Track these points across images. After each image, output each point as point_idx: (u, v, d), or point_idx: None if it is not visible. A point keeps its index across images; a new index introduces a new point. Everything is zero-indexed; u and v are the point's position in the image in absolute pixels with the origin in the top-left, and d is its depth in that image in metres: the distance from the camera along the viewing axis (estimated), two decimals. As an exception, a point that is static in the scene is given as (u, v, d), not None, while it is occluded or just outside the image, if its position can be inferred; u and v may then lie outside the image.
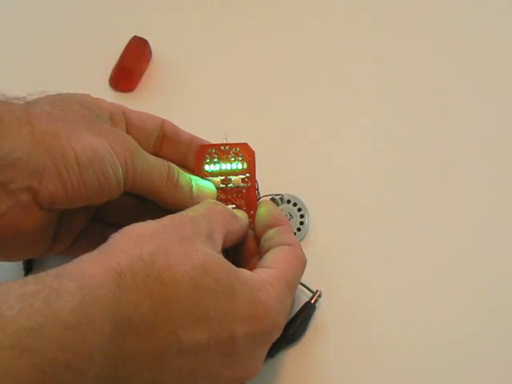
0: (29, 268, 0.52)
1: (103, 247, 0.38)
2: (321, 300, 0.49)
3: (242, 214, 0.47)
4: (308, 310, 0.49)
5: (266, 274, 0.42)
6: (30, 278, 0.34)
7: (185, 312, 0.37)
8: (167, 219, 0.41)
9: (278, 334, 0.42)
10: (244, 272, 0.41)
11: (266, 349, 0.42)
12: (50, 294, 0.33)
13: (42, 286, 0.33)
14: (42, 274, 0.34)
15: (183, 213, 0.42)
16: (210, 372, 0.39)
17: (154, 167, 0.45)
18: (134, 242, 0.38)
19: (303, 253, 0.46)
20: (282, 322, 0.42)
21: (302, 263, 0.45)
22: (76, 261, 0.36)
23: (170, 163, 0.47)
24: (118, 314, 0.35)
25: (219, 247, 0.41)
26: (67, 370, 0.32)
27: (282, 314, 0.41)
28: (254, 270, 0.43)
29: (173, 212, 0.47)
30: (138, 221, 0.41)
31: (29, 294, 0.33)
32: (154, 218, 0.42)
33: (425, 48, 0.60)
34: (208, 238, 0.41)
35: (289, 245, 0.45)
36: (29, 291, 0.33)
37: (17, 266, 0.51)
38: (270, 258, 0.44)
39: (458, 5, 0.62)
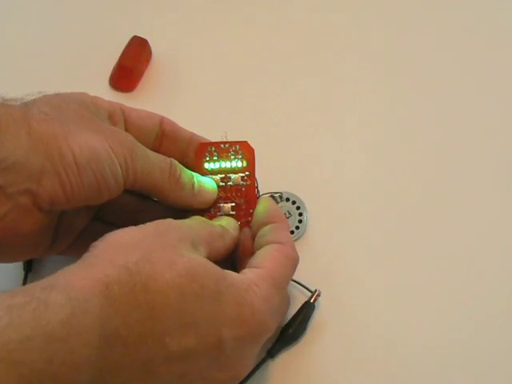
0: (29, 268, 0.51)
1: (87, 257, 0.38)
2: (320, 299, 0.49)
3: (232, 225, 0.46)
4: (307, 309, 0.49)
5: (253, 274, 0.42)
6: (19, 289, 0.34)
7: (172, 320, 0.37)
8: (152, 226, 0.41)
9: (268, 334, 0.42)
10: (230, 274, 0.41)
11: (257, 348, 0.42)
12: (39, 305, 0.33)
13: (31, 298, 0.33)
14: (30, 286, 0.35)
15: (169, 220, 0.42)
16: (200, 375, 0.39)
17: (155, 163, 0.45)
18: (117, 251, 0.38)
19: (295, 251, 0.45)
20: (270, 322, 0.42)
21: (291, 261, 0.44)
22: (63, 272, 0.36)
23: (173, 159, 0.46)
24: (106, 325, 0.35)
25: (204, 255, 0.41)
26: (54, 382, 0.33)
27: (268, 314, 0.41)
28: (243, 271, 0.42)
29: (174, 210, 0.47)
30: (139, 220, 0.41)
31: (17, 306, 0.33)
32: (155, 216, 0.42)
33: (423, 46, 0.60)
34: (193, 245, 0.40)
35: (279, 243, 0.44)
36: (17, 303, 0.33)
37: (17, 266, 0.51)
38: (259, 256, 0.44)
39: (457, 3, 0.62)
